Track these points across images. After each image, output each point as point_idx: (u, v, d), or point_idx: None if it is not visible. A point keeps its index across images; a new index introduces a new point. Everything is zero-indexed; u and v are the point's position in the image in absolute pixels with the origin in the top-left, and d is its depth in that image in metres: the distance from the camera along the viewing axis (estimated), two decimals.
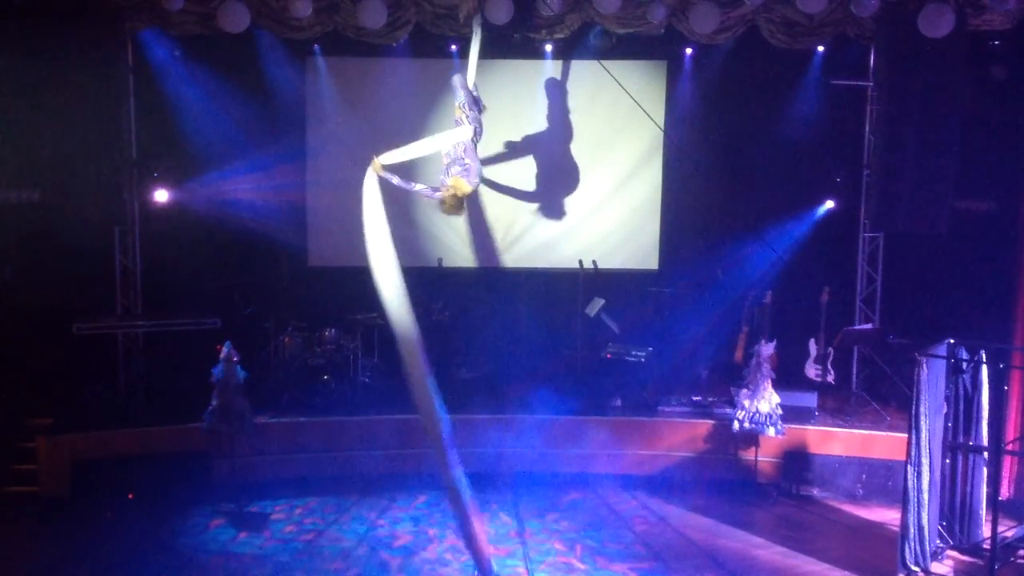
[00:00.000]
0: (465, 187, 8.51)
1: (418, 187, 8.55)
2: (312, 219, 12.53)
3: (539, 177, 12.36)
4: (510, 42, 11.31)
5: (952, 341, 8.72)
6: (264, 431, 10.25)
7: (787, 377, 10.79)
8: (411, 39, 11.16)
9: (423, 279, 12.27)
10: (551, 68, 12.14)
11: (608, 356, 11.41)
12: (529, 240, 12.66)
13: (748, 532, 9.56)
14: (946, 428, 8.76)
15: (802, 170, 12.11)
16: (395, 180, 8.20)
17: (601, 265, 12.02)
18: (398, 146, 8.28)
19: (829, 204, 11.90)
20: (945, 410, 8.73)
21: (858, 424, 10.69)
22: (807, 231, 11.92)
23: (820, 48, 11.44)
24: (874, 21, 10.51)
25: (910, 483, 8.30)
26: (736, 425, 10.25)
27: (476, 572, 8.02)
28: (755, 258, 12.25)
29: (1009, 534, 8.91)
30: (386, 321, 11.41)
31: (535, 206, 12.50)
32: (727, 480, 10.54)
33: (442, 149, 8.69)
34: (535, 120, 12.22)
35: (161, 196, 11.55)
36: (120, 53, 10.72)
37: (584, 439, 10.74)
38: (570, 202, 12.49)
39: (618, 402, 11.10)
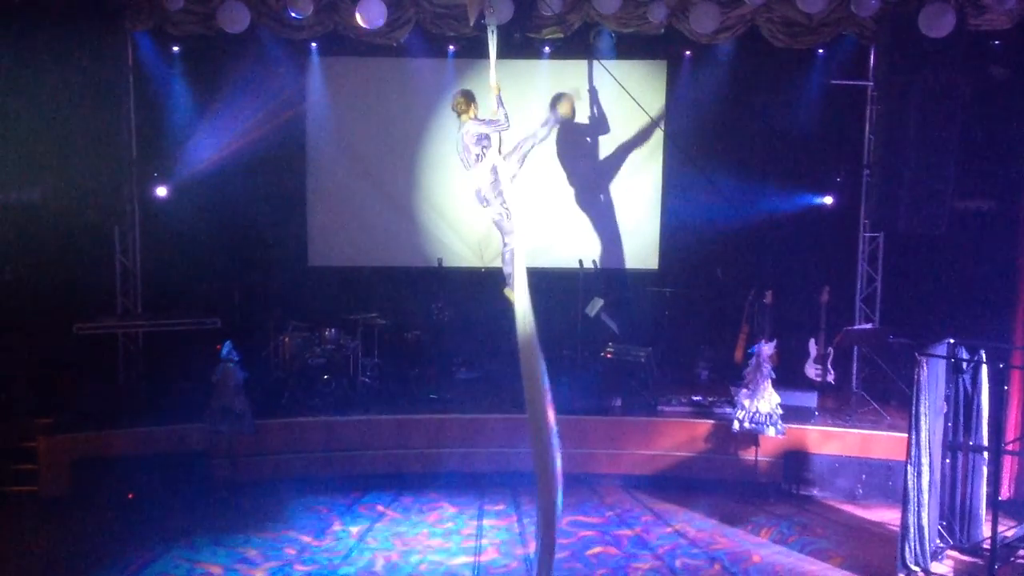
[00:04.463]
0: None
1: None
2: (312, 219, 12.55)
3: (539, 177, 12.36)
4: (510, 42, 11.29)
5: (952, 341, 8.71)
6: (264, 431, 10.25)
7: (787, 377, 10.79)
8: (411, 39, 11.16)
9: (423, 279, 12.32)
10: (551, 68, 12.15)
11: (608, 356, 11.41)
12: (529, 240, 12.63)
13: (748, 532, 9.56)
14: (946, 428, 8.75)
15: (802, 170, 12.13)
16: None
17: (601, 265, 12.02)
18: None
19: (827, 200, 11.93)
20: (945, 410, 8.72)
21: (858, 424, 10.68)
22: (804, 219, 12.03)
23: (820, 48, 11.44)
24: (874, 21, 10.51)
25: (910, 483, 8.30)
26: (736, 425, 10.25)
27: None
28: (755, 257, 12.28)
29: (1009, 534, 8.90)
30: (392, 322, 11.66)
31: (535, 206, 12.49)
32: (727, 480, 10.53)
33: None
34: (535, 120, 12.20)
35: (161, 195, 11.57)
36: (120, 53, 10.73)
37: (584, 439, 10.74)
38: (570, 202, 12.50)
39: (618, 402, 11.10)
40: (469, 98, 8.72)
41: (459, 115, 8.74)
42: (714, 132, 12.24)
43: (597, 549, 9.13)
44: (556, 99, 9.76)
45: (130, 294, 11.32)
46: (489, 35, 8.08)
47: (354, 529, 9.49)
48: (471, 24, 9.47)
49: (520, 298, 7.70)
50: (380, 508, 10.00)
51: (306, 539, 9.24)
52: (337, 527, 9.54)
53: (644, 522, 9.77)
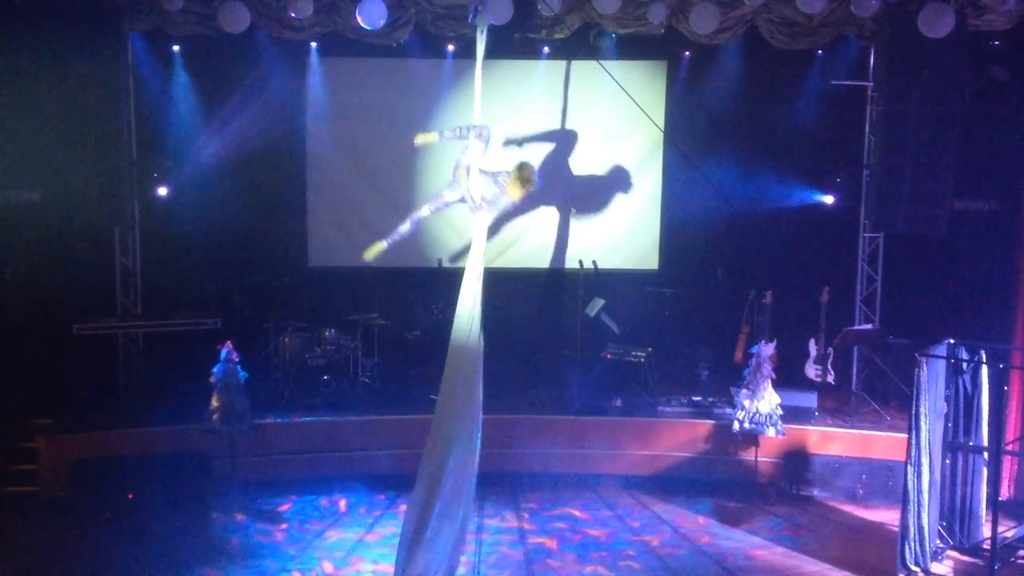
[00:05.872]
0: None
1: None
2: (312, 219, 12.55)
3: (539, 177, 12.34)
4: (510, 42, 11.31)
5: (952, 341, 8.71)
6: (264, 431, 10.25)
7: (787, 377, 10.79)
8: (411, 39, 11.16)
9: (423, 279, 12.32)
10: (551, 68, 12.15)
11: (608, 356, 11.41)
12: (529, 240, 12.66)
13: (748, 532, 9.56)
14: (946, 428, 8.76)
15: (802, 170, 12.13)
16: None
17: (601, 265, 12.02)
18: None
19: (828, 200, 11.95)
20: (945, 410, 8.73)
21: (858, 424, 10.69)
22: (804, 219, 12.06)
23: (820, 49, 11.44)
24: (874, 21, 10.51)
25: (910, 483, 8.30)
26: (736, 425, 10.25)
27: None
28: (755, 258, 12.27)
29: (1009, 534, 8.91)
30: (392, 322, 11.69)
31: (535, 206, 12.50)
32: (727, 480, 10.53)
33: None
34: (535, 120, 12.23)
35: (161, 195, 11.57)
36: (120, 53, 10.73)
37: (584, 439, 10.74)
38: (570, 203, 12.49)
39: (618, 402, 11.10)
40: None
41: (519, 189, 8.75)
42: (714, 132, 12.24)
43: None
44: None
45: (130, 294, 11.32)
46: (478, 36, 8.03)
47: (354, 532, 9.47)
48: (469, 21, 9.46)
49: (470, 293, 8.15)
50: (380, 508, 9.99)
51: (305, 541, 9.24)
52: (336, 527, 9.52)
53: (633, 525, 9.69)
